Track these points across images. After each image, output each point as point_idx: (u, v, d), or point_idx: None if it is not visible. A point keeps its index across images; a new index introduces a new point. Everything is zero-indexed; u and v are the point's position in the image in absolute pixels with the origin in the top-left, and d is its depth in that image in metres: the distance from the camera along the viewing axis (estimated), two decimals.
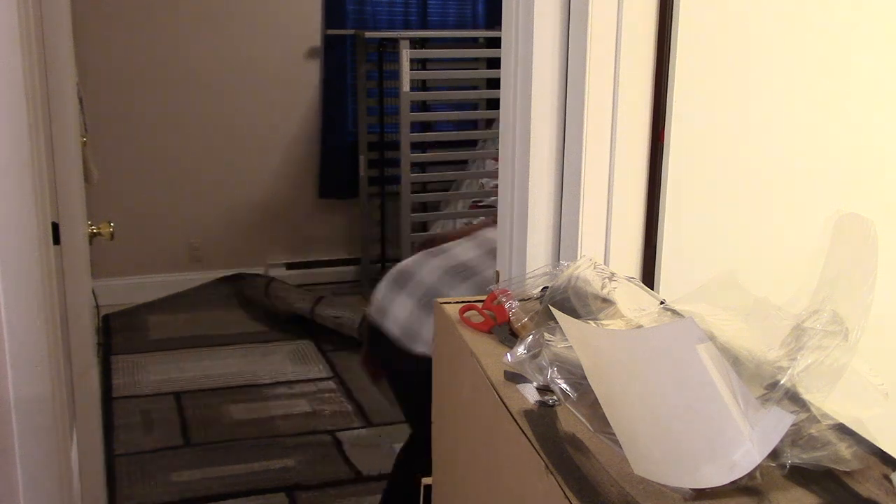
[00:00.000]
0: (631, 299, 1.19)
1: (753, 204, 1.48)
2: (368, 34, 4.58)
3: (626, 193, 1.49)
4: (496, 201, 1.80)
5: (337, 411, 3.56)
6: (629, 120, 1.45)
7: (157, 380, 3.80)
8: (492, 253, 2.04)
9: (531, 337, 1.05)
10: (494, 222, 1.83)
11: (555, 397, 0.98)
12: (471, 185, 4.78)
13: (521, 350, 1.04)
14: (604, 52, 1.43)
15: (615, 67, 1.43)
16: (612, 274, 1.24)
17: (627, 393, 0.90)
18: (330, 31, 4.73)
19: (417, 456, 2.12)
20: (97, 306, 3.66)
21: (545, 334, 1.04)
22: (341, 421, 3.48)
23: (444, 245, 2.37)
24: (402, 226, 4.50)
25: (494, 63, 1.91)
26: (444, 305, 1.28)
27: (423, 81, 4.83)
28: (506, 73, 1.62)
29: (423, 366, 2.02)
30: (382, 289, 2.31)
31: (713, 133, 1.43)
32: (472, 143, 4.85)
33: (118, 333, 4.29)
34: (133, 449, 3.22)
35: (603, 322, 1.11)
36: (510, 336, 1.15)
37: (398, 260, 4.76)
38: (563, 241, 1.57)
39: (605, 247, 1.51)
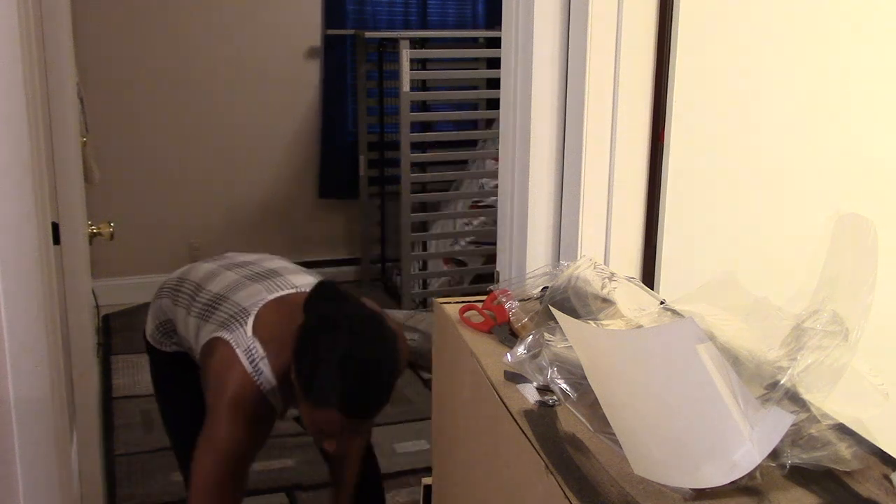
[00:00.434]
0: (631, 299, 1.20)
1: (753, 204, 1.48)
2: (368, 34, 4.57)
3: (626, 193, 1.49)
4: (496, 201, 1.79)
5: None
6: (629, 120, 1.45)
7: None
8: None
9: (531, 337, 1.05)
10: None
11: (555, 397, 0.98)
12: (471, 185, 4.77)
13: (521, 350, 1.04)
14: (604, 52, 1.43)
15: (615, 67, 1.43)
16: (612, 274, 1.24)
17: (627, 393, 0.90)
18: (330, 31, 4.73)
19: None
20: (97, 306, 3.66)
21: (545, 334, 1.04)
22: None
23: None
24: (402, 226, 4.50)
25: (494, 63, 1.91)
26: (444, 305, 1.28)
27: (423, 81, 4.83)
28: (506, 73, 1.62)
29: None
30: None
31: (713, 133, 1.43)
32: (472, 143, 4.85)
33: (118, 333, 4.28)
34: (133, 449, 3.22)
35: (603, 322, 1.11)
36: (510, 336, 1.15)
37: (398, 260, 4.77)
38: (563, 241, 1.57)
39: (605, 247, 1.51)
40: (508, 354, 1.05)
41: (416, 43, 4.66)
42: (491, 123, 4.79)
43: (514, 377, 1.03)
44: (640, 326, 1.09)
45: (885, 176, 1.53)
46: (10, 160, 1.38)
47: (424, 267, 4.71)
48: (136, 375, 3.84)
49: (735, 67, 1.42)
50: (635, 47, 1.43)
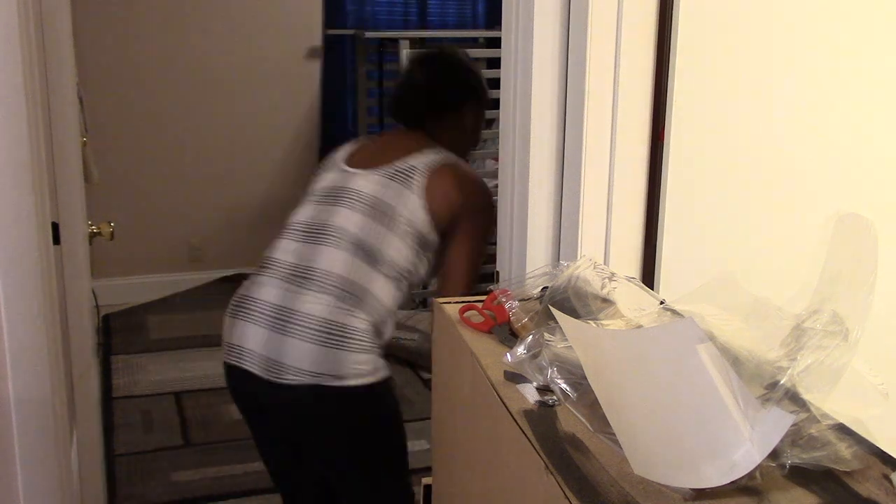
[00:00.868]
0: (631, 299, 1.19)
1: (753, 204, 1.48)
2: (368, 34, 4.57)
3: (626, 193, 1.49)
4: (496, 201, 1.80)
5: None
6: (629, 120, 1.45)
7: (156, 380, 3.80)
8: None
9: (531, 337, 1.05)
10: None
11: (555, 397, 0.98)
12: None
13: (521, 350, 1.04)
14: (604, 52, 1.43)
15: (615, 67, 1.43)
16: (612, 274, 1.24)
17: (627, 393, 0.90)
18: (330, 31, 4.73)
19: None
20: (97, 306, 3.65)
21: (545, 334, 1.04)
22: None
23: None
24: None
25: (494, 63, 1.91)
26: (444, 305, 1.28)
27: None
28: (506, 73, 1.62)
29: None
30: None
31: (713, 133, 1.43)
32: None
33: (118, 333, 4.28)
34: (133, 449, 3.22)
35: (603, 322, 1.11)
36: (510, 336, 1.15)
37: None
38: (563, 241, 1.57)
39: (605, 247, 1.51)
40: (508, 354, 1.05)
41: (416, 43, 4.66)
42: (491, 123, 4.79)
43: (514, 377, 1.03)
44: (640, 326, 1.09)
45: (885, 176, 1.53)
46: (10, 160, 1.38)
47: None
48: (135, 375, 3.84)
49: (735, 67, 1.42)
50: (635, 47, 1.43)
